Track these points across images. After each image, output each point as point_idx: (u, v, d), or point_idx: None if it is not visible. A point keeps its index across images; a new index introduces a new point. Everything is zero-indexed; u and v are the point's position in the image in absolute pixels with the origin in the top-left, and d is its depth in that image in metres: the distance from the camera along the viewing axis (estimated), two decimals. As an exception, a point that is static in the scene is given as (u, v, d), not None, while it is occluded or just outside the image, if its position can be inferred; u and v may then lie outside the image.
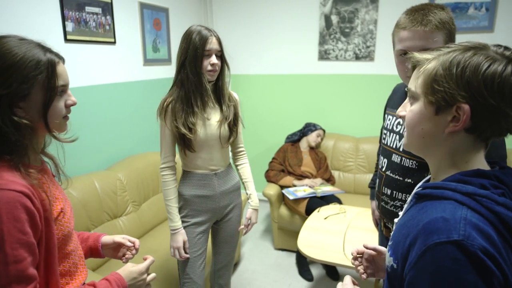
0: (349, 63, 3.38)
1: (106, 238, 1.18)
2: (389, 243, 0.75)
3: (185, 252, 1.61)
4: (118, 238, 1.18)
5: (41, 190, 0.84)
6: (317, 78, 3.53)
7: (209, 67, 1.51)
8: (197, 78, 1.50)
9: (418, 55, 0.73)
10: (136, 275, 1.04)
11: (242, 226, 1.75)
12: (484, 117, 0.64)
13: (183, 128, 1.50)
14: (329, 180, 3.19)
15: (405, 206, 0.80)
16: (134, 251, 1.19)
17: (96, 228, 2.12)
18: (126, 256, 1.19)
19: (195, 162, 1.61)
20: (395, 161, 1.27)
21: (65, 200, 0.97)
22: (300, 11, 3.45)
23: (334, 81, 3.48)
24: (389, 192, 1.29)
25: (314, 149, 3.26)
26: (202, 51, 1.47)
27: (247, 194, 1.79)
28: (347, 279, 0.89)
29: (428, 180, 0.81)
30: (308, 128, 3.26)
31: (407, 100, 0.76)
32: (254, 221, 1.76)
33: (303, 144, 3.25)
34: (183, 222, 1.63)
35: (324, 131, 3.32)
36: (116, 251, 1.20)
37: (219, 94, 1.60)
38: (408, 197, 1.18)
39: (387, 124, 1.34)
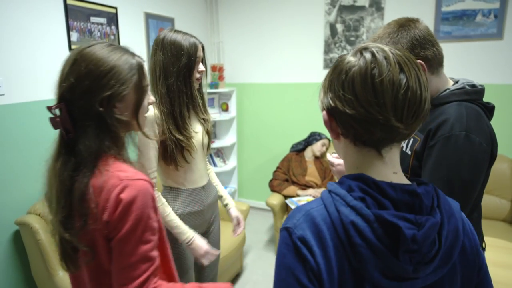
0: (354, 72, 3.35)
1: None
2: None
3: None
4: None
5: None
6: (323, 87, 3.51)
7: (198, 75, 1.48)
8: (189, 88, 1.46)
9: None
10: None
11: (236, 231, 1.70)
12: (338, 120, 0.65)
13: (184, 138, 1.44)
14: (334, 190, 3.13)
15: None
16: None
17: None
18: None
19: (186, 176, 1.52)
20: None
21: None
22: (305, 20, 3.44)
23: (339, 89, 3.44)
24: None
25: (319, 159, 3.22)
26: (195, 59, 1.44)
27: (220, 196, 1.75)
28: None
29: None
30: (313, 137, 3.23)
31: None
32: (241, 217, 1.73)
33: (308, 154, 3.22)
34: (179, 245, 1.52)
35: (329, 140, 3.28)
36: None
37: (203, 102, 1.57)
38: None
39: None
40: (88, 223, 0.83)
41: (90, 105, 0.84)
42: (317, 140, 3.20)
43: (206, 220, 1.63)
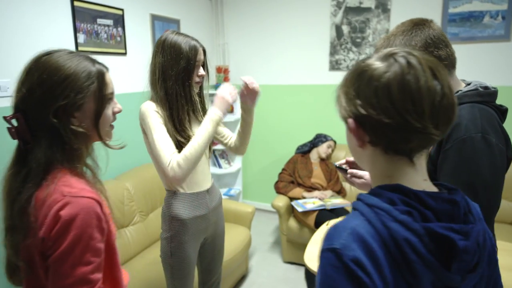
0: (360, 73, 3.34)
1: None
2: None
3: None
4: None
5: (101, 194, 0.89)
6: (328, 89, 3.50)
7: (197, 79, 1.46)
8: (188, 92, 1.43)
9: None
10: None
11: (251, 87, 1.47)
12: (368, 128, 0.62)
13: (185, 141, 1.42)
14: (340, 192, 3.12)
15: None
16: None
17: (102, 238, 2.11)
18: None
19: (191, 180, 1.50)
20: None
21: None
22: (311, 21, 3.44)
23: (345, 91, 3.43)
24: None
25: (324, 161, 3.21)
26: (194, 63, 1.41)
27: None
28: None
29: None
30: (319, 139, 3.22)
31: None
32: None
33: (314, 155, 3.20)
34: (183, 249, 1.49)
35: (335, 142, 3.26)
36: None
37: (202, 105, 1.56)
38: None
39: None
40: (27, 237, 0.80)
41: (43, 115, 0.82)
42: (322, 142, 3.19)
43: (211, 223, 1.61)
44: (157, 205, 2.58)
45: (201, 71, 1.46)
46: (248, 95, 1.50)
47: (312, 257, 1.90)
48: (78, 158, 0.88)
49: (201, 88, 1.55)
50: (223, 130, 1.70)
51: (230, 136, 1.70)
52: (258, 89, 1.49)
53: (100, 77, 0.88)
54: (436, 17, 2.96)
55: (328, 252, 0.58)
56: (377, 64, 0.61)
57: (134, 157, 2.74)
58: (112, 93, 0.93)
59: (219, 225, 1.68)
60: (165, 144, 1.34)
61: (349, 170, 1.23)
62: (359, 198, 0.64)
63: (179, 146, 1.42)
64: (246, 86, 1.47)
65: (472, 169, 0.94)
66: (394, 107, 0.58)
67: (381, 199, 0.60)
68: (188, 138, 1.44)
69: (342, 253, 0.56)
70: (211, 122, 1.37)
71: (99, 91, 0.88)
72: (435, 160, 1.05)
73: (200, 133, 1.35)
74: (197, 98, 1.51)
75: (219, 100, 1.40)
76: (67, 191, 0.80)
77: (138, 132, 2.70)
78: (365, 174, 1.20)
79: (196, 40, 1.45)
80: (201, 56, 1.45)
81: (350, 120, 0.64)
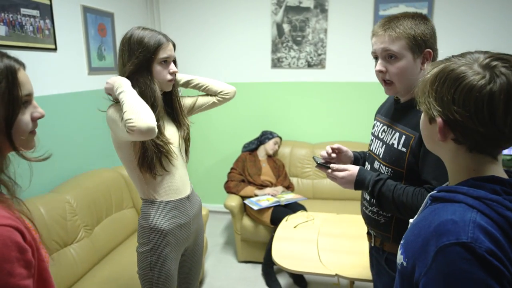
0: (301, 71, 3.44)
1: None
2: (401, 241, 0.77)
3: None
4: None
5: (24, 217, 0.73)
6: (271, 86, 3.54)
7: (169, 77, 1.37)
8: (152, 90, 1.32)
9: (429, 66, 0.77)
10: None
11: None
12: (458, 131, 0.68)
13: (163, 144, 1.33)
14: (289, 187, 3.19)
15: (420, 207, 0.82)
16: None
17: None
18: None
19: (169, 186, 1.41)
20: (376, 167, 1.27)
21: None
22: (252, 19, 3.43)
23: (287, 88, 3.51)
24: (367, 197, 1.28)
25: (272, 157, 3.24)
26: (156, 58, 1.32)
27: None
28: None
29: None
30: (265, 136, 3.24)
31: None
32: None
33: (261, 153, 3.22)
34: (164, 262, 1.38)
35: (280, 138, 3.32)
36: None
37: (176, 106, 1.49)
38: None
39: (374, 130, 1.35)
40: None
41: None
42: (269, 138, 3.22)
43: (192, 232, 1.52)
44: (102, 217, 2.34)
45: (173, 67, 1.37)
46: None
47: (281, 255, 1.90)
48: None
49: (174, 87, 1.46)
50: (203, 101, 1.70)
51: (210, 97, 1.74)
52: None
53: (10, 75, 0.71)
54: (368, 18, 3.18)
55: (456, 246, 0.60)
56: (476, 72, 0.64)
57: (72, 165, 2.44)
58: (29, 95, 0.76)
59: (199, 233, 1.59)
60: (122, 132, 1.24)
61: (332, 165, 1.25)
62: (458, 191, 0.66)
63: (159, 151, 1.32)
64: None
65: None
66: (493, 119, 0.63)
67: (485, 190, 0.64)
68: (166, 142, 1.34)
69: (474, 245, 0.59)
70: (122, 88, 1.23)
71: (9, 93, 0.71)
72: (416, 153, 1.11)
73: (122, 98, 1.21)
74: (175, 98, 1.43)
75: (112, 83, 1.29)
76: None
77: (75, 137, 2.43)
78: (348, 166, 1.23)
79: (163, 34, 1.35)
80: (170, 52, 1.35)
81: (440, 120, 0.68)
